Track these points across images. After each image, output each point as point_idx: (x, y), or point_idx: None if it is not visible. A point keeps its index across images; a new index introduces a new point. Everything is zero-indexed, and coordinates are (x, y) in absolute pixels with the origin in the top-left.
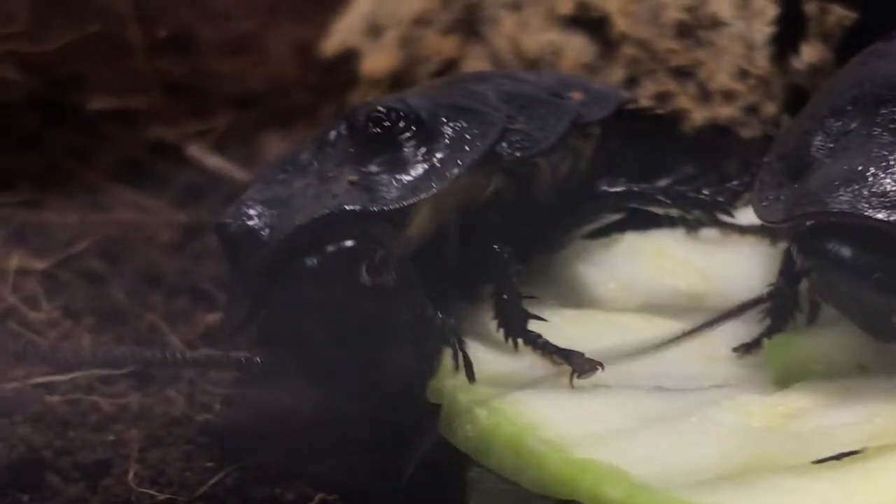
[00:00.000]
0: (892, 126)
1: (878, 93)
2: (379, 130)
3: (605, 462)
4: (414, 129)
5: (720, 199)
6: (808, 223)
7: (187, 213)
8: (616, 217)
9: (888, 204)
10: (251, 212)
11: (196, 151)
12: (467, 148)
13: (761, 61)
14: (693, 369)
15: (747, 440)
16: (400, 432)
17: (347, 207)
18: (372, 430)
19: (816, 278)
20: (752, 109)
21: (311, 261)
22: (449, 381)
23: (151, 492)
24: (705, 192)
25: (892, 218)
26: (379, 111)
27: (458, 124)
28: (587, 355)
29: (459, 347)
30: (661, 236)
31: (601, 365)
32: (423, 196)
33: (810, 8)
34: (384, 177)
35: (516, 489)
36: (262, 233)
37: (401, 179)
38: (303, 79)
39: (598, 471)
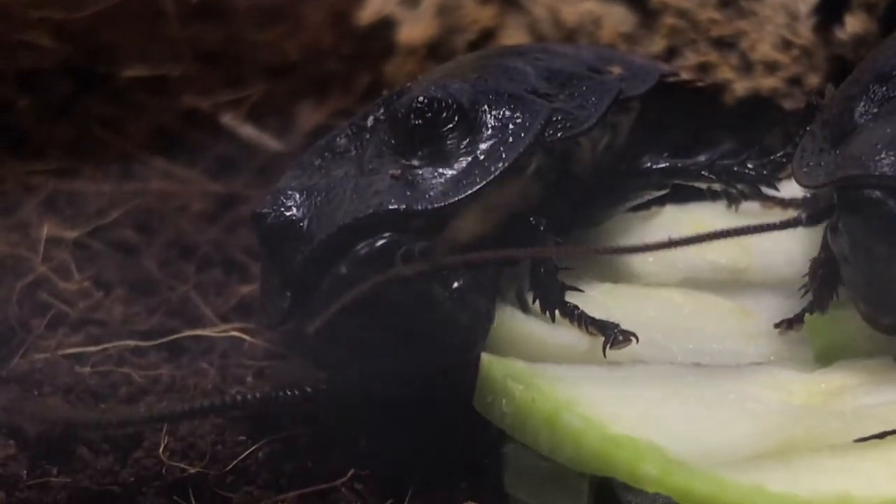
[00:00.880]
0: None
1: None
2: (421, 122)
3: (643, 438)
4: (456, 119)
5: (765, 172)
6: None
7: (221, 184)
8: (659, 193)
9: None
10: (289, 202)
11: (230, 120)
12: (512, 139)
13: (804, 31)
14: (733, 345)
15: (787, 418)
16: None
17: (391, 206)
18: (410, 407)
19: (849, 238)
20: (794, 81)
21: (357, 259)
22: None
23: (182, 465)
24: (749, 165)
25: None
26: (421, 102)
27: (502, 112)
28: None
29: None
30: (702, 210)
31: (635, 336)
32: (468, 193)
33: None
34: (427, 171)
35: (551, 465)
36: (301, 224)
37: (444, 174)
38: (338, 47)
39: (636, 447)
